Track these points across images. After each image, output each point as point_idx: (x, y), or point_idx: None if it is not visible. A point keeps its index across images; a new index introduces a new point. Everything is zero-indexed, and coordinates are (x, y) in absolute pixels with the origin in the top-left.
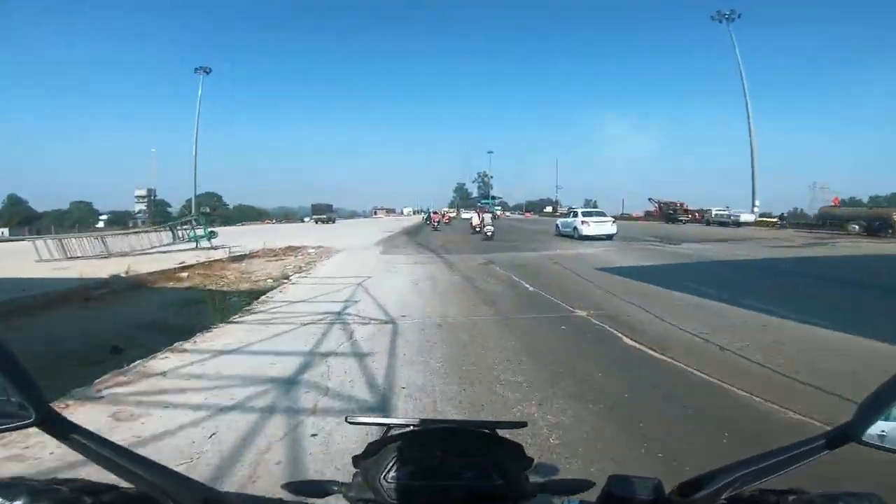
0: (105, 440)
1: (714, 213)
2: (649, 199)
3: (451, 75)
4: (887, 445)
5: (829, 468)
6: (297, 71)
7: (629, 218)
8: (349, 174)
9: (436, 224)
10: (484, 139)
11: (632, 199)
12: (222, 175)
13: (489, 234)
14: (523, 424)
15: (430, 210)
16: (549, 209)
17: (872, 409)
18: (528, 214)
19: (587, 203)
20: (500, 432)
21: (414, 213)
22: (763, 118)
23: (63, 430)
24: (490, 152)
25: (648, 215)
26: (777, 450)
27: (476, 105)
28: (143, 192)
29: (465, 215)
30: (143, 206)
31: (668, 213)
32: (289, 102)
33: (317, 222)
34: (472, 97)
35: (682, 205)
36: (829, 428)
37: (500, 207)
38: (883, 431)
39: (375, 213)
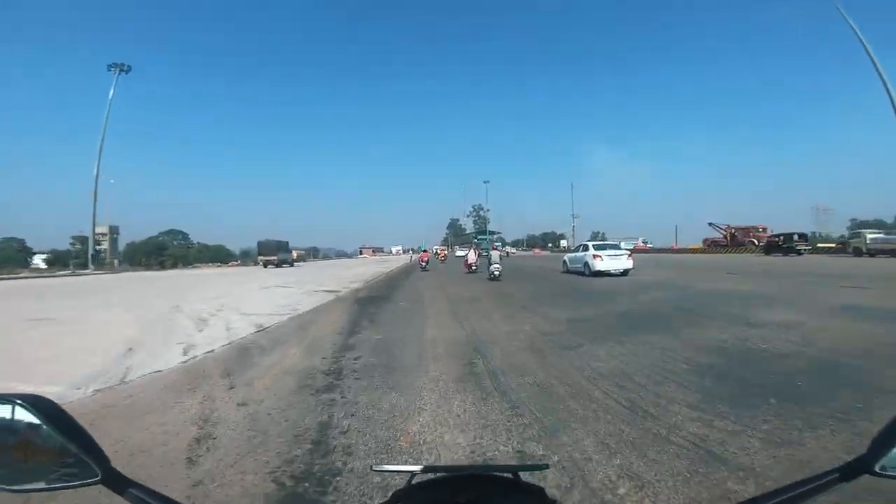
0: (162, 496)
1: (869, 237)
2: (710, 224)
3: (444, 103)
4: None
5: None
6: (283, 104)
7: (684, 249)
8: (339, 213)
9: (424, 264)
10: (478, 170)
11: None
12: (203, 213)
13: (496, 273)
14: (545, 467)
15: (421, 248)
16: (564, 244)
17: (886, 440)
18: (537, 251)
19: (594, 236)
20: (522, 475)
21: (404, 251)
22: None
23: (123, 485)
24: (486, 182)
25: (714, 245)
26: (792, 484)
27: (470, 132)
28: (104, 230)
29: (459, 253)
30: (103, 246)
31: (777, 241)
32: (274, 136)
33: (265, 266)
34: (466, 124)
35: (764, 229)
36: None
37: (500, 243)
38: None
39: (361, 253)
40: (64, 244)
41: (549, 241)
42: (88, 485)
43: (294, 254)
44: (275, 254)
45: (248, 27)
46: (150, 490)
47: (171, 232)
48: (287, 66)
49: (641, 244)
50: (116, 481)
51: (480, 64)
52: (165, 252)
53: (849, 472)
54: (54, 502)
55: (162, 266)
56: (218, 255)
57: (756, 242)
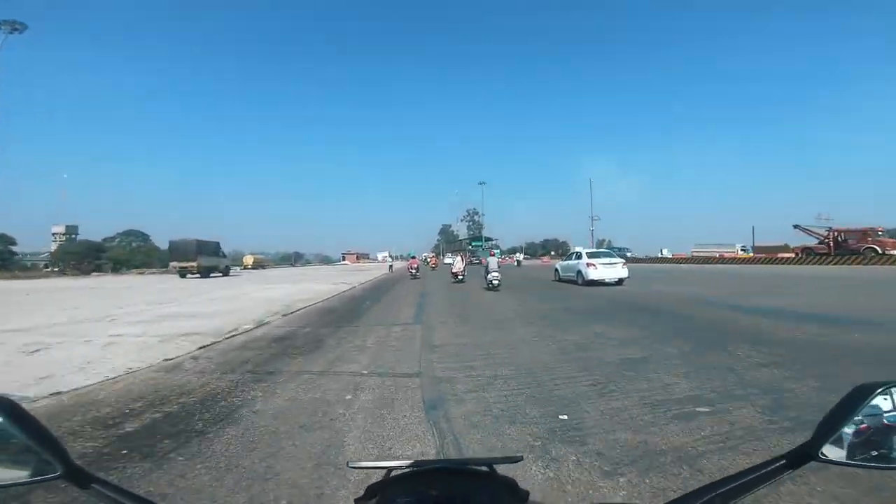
0: (125, 491)
1: None
2: (797, 227)
3: (442, 107)
4: (843, 460)
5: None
6: (269, 104)
7: (770, 258)
8: (331, 219)
9: (413, 271)
10: (473, 174)
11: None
12: (187, 218)
13: (494, 283)
14: (519, 459)
15: (410, 255)
16: (580, 250)
17: (828, 428)
18: (545, 259)
19: (600, 244)
20: (498, 468)
21: (391, 258)
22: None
23: (85, 481)
24: (482, 183)
25: (807, 252)
26: (741, 472)
27: (466, 134)
28: (62, 229)
29: (447, 260)
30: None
31: None
32: (264, 138)
33: (183, 275)
34: (463, 125)
35: (883, 231)
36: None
37: (498, 250)
38: (838, 448)
39: (343, 260)
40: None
41: (550, 248)
42: (50, 480)
43: (250, 259)
44: (193, 258)
45: (244, 25)
46: (112, 485)
47: (129, 233)
48: (281, 68)
49: (739, 252)
50: (78, 477)
51: (479, 67)
52: (104, 254)
53: (795, 459)
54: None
55: (98, 270)
56: None
57: (878, 250)
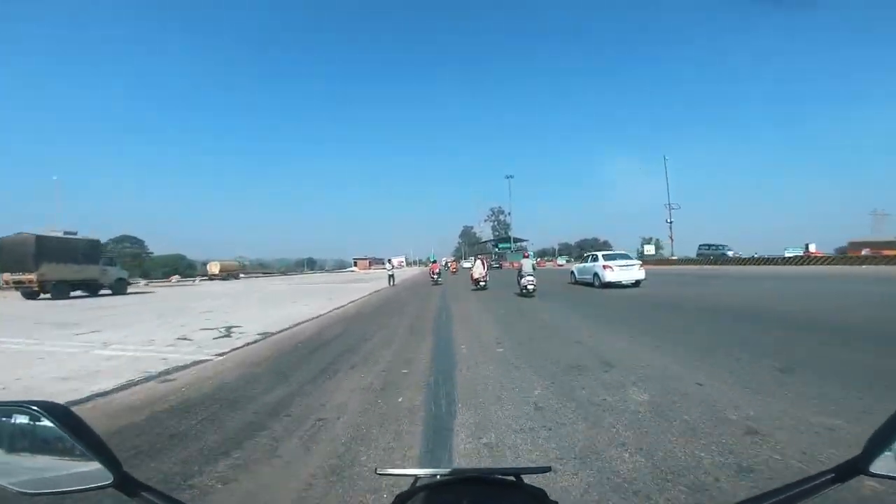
0: (173, 499)
1: None
2: None
3: (460, 106)
4: (893, 475)
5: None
6: (284, 104)
7: None
8: (348, 223)
9: (435, 276)
10: (496, 172)
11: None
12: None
13: (529, 288)
14: (547, 469)
15: (431, 258)
16: (649, 250)
17: (880, 441)
18: None
19: (647, 242)
20: (525, 478)
21: (407, 264)
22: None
23: (136, 490)
24: (510, 177)
25: None
26: (788, 485)
27: (487, 131)
28: (59, 235)
29: (466, 264)
30: None
31: None
32: (283, 143)
33: (29, 297)
34: (484, 122)
35: None
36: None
37: (533, 254)
38: (889, 462)
39: (355, 265)
40: None
41: (588, 249)
42: (101, 488)
43: (215, 266)
44: (31, 267)
45: (264, 24)
46: (162, 494)
47: (122, 238)
48: (292, 68)
49: None
50: (128, 486)
51: (498, 63)
52: None
53: (844, 472)
54: None
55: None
56: (179, 267)
57: None
